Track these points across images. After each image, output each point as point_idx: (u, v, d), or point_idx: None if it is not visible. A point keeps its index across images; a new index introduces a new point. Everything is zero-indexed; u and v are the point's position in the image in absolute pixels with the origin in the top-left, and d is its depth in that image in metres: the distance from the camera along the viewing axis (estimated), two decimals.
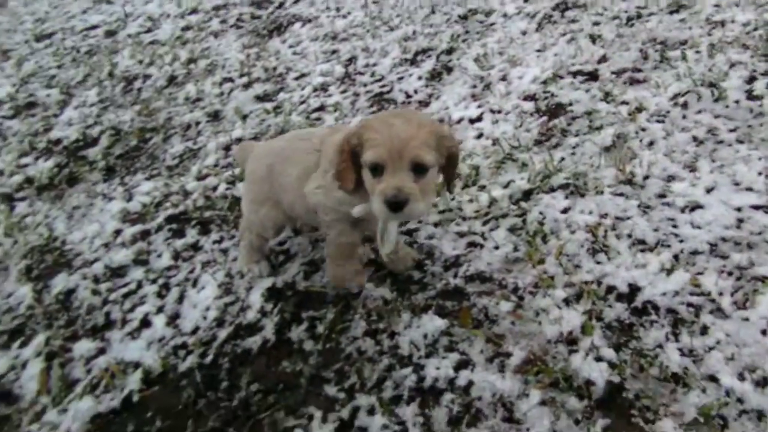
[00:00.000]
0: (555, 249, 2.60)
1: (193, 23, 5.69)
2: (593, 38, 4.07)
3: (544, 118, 3.44)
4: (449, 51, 4.39)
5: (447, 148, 2.20)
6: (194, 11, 5.99)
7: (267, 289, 2.68)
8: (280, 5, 5.78)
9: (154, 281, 2.88)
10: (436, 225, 2.89)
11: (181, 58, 4.97)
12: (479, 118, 3.60)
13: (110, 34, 5.88)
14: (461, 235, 2.81)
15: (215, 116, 4.16)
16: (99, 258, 3.08)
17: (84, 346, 2.61)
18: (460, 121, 3.62)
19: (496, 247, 2.71)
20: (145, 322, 2.67)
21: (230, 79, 4.57)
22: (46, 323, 2.77)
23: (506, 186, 3.02)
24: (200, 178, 3.52)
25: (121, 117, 4.31)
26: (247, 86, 4.46)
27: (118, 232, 3.25)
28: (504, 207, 2.89)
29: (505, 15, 4.72)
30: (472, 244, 2.75)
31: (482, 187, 3.05)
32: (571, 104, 3.52)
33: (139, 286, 2.87)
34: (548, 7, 4.65)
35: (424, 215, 2.36)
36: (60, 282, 2.97)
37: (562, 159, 3.10)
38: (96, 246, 3.18)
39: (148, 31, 5.76)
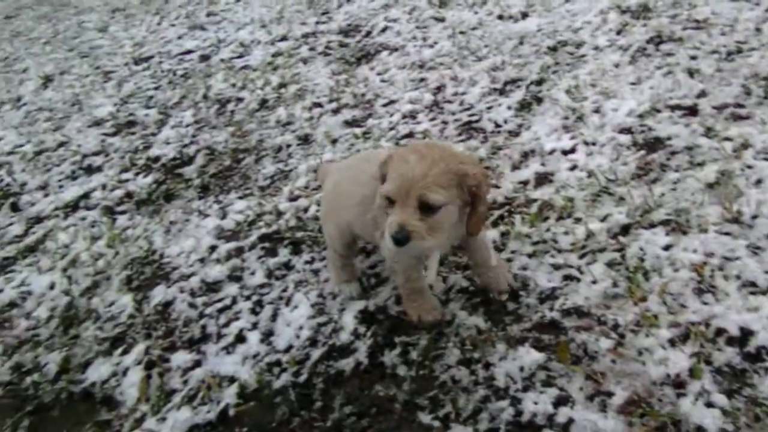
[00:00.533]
0: (658, 287, 2.51)
1: (282, 50, 5.88)
2: (691, 72, 3.96)
3: (642, 151, 3.36)
4: (539, 82, 4.36)
5: (469, 186, 2.19)
6: (284, 38, 6.19)
7: (359, 312, 2.70)
8: (368, 34, 5.90)
9: (248, 298, 2.94)
10: (530, 256, 2.85)
11: (272, 83, 5.13)
12: (572, 150, 3.55)
13: (204, 58, 6.14)
14: (557, 267, 2.76)
15: (305, 140, 4.26)
16: (195, 272, 3.18)
17: (181, 358, 2.68)
18: (552, 152, 3.57)
19: (594, 282, 2.64)
20: (240, 338, 2.72)
21: (319, 104, 4.67)
22: (146, 333, 2.86)
23: (603, 219, 2.95)
24: (292, 199, 3.60)
25: (216, 138, 4.47)
26: (336, 111, 4.55)
27: (213, 248, 3.34)
28: (602, 241, 2.82)
29: (596, 47, 4.66)
30: (568, 278, 2.69)
31: (578, 220, 2.99)
32: (669, 138, 3.42)
33: (234, 301, 2.94)
34: (642, 40, 4.56)
35: (437, 251, 2.43)
36: (159, 294, 3.08)
37: (662, 194, 3.01)
38: (192, 260, 3.28)
39: (240, 56, 5.98)
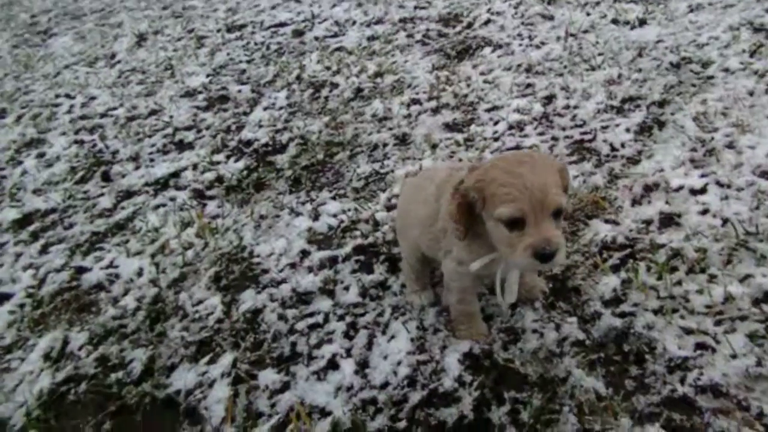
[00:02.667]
0: None
1: (379, 33, 5.64)
2: None
3: None
4: (661, 103, 4.00)
5: (564, 180, 2.11)
6: (380, 21, 5.94)
7: (463, 354, 2.49)
8: (469, 25, 5.60)
9: (341, 318, 2.77)
10: (656, 313, 2.57)
11: (368, 70, 4.91)
12: (703, 190, 3.21)
13: (297, 34, 5.96)
14: (688, 331, 2.47)
15: (402, 140, 4.03)
16: (286, 279, 3.03)
17: (269, 377, 2.54)
18: (679, 189, 3.24)
19: (734, 356, 2.35)
20: (333, 364, 2.56)
21: (418, 101, 4.43)
22: (233, 341, 2.74)
23: (743, 280, 2.65)
24: (389, 208, 3.40)
25: (309, 126, 4.30)
26: (435, 111, 4.31)
27: (304, 253, 3.19)
28: (743, 308, 2.52)
29: (726, 69, 4.25)
30: (702, 346, 2.41)
31: (712, 277, 2.69)
32: None
33: (326, 319, 2.78)
34: None
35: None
36: (248, 298, 2.94)
37: None
38: (282, 265, 3.13)
39: (334, 35, 5.77)
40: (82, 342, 2.84)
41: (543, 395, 2.29)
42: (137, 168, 4.19)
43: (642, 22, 5.08)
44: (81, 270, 3.31)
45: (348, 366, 2.53)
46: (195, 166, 4.05)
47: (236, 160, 4.06)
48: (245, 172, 3.93)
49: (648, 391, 2.28)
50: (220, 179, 3.90)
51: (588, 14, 5.43)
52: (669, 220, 3.07)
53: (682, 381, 2.29)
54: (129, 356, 2.73)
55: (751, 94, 3.94)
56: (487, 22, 5.59)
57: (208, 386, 2.55)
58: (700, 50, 4.54)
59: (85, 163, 4.32)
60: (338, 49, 5.49)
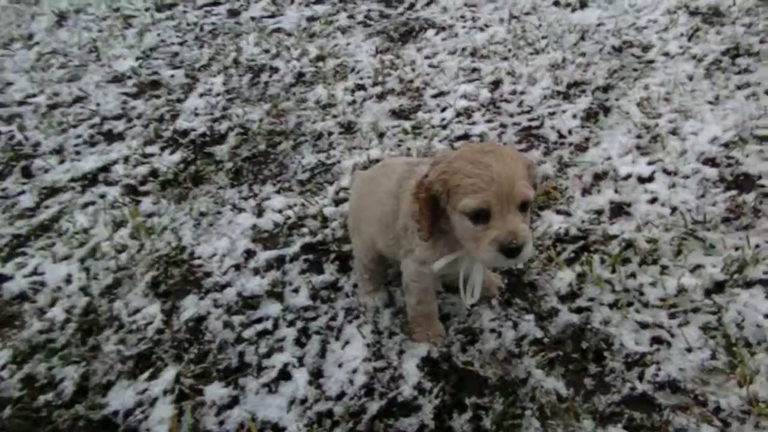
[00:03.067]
0: (765, 366, 2.22)
1: (319, 13, 5.42)
2: None
3: (733, 192, 3.03)
4: (605, 88, 3.99)
5: (532, 176, 2.02)
6: (319, 1, 5.71)
7: (422, 360, 2.40)
8: (411, 6, 5.45)
9: (291, 323, 2.63)
10: (611, 307, 2.55)
11: (309, 54, 4.71)
12: (651, 178, 3.22)
13: (233, 13, 5.67)
14: (644, 325, 2.47)
15: (348, 128, 3.88)
16: (231, 283, 2.86)
17: (216, 392, 2.38)
18: (628, 177, 3.24)
19: (689, 350, 2.35)
20: (285, 374, 2.42)
21: (363, 87, 4.28)
22: (175, 354, 2.56)
23: (693, 271, 2.65)
24: (338, 202, 3.25)
25: (249, 114, 4.08)
26: (381, 97, 4.17)
27: (249, 254, 3.02)
28: (696, 299, 2.52)
29: (666, 54, 4.28)
30: (658, 340, 2.41)
31: (664, 268, 2.69)
32: (761, 177, 3.09)
33: (276, 325, 2.63)
34: (717, 51, 4.18)
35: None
36: (190, 305, 2.76)
37: (758, 246, 2.70)
38: (226, 266, 2.95)
39: (272, 16, 5.52)
40: (5, 361, 2.59)
41: (504, 399, 2.23)
42: (62, 162, 3.88)
43: (583, 5, 5.07)
44: (1, 279, 3.03)
45: (301, 376, 2.40)
46: (126, 159, 3.78)
47: (171, 152, 3.82)
48: (182, 165, 3.70)
49: (608, 390, 2.26)
50: (154, 173, 3.65)
51: None
52: (619, 210, 3.06)
53: (641, 377, 2.28)
54: (59, 375, 2.51)
55: (690, 78, 3.97)
56: (429, 2, 5.47)
57: (149, 405, 2.37)
58: (640, 34, 4.55)
59: (2, 157, 3.97)
60: (276, 30, 5.25)
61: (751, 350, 2.29)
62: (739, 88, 3.80)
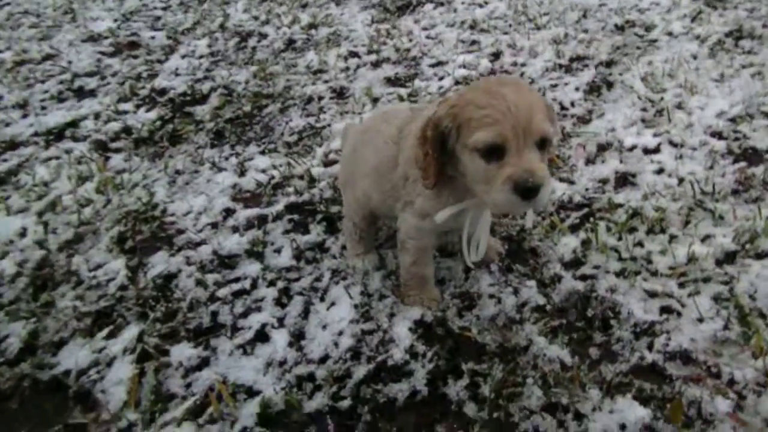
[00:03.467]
0: None
1: None
2: None
3: (743, 163, 2.85)
4: (608, 63, 3.81)
5: (551, 119, 1.79)
6: None
7: (414, 322, 2.16)
8: None
9: (272, 283, 2.38)
10: (618, 275, 2.34)
11: (301, 21, 4.47)
12: (657, 150, 3.03)
13: None
14: (652, 294, 2.26)
15: (340, 93, 3.65)
16: (206, 241, 2.60)
17: (184, 352, 2.12)
18: (633, 148, 3.05)
19: (700, 320, 2.14)
20: (262, 336, 2.17)
21: (356, 54, 4.05)
22: (140, 312, 2.29)
23: (703, 240, 2.46)
24: (327, 164, 3.01)
25: (235, 76, 3.83)
26: (376, 65, 3.94)
27: (228, 212, 2.76)
28: (707, 268, 2.32)
29: (669, 33, 4.12)
30: (667, 310, 2.20)
31: (672, 237, 2.49)
32: None
33: (254, 285, 2.38)
34: (720, 32, 4.03)
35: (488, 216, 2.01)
36: (159, 262, 2.50)
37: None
38: (202, 224, 2.70)
39: None
40: None
41: (504, 366, 2.00)
42: (25, 116, 3.59)
43: None
44: None
45: (280, 337, 2.14)
46: (97, 116, 3.51)
47: (148, 110, 3.55)
48: (158, 123, 3.43)
49: (615, 360, 2.04)
50: (127, 130, 3.38)
51: None
52: (624, 180, 2.87)
53: (650, 347, 2.07)
54: (4, 331, 2.23)
55: (694, 57, 3.81)
56: None
57: (105, 365, 2.10)
58: (642, 14, 4.40)
59: None
60: None
61: (766, 321, 2.10)
62: (743, 67, 3.65)
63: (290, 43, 4.25)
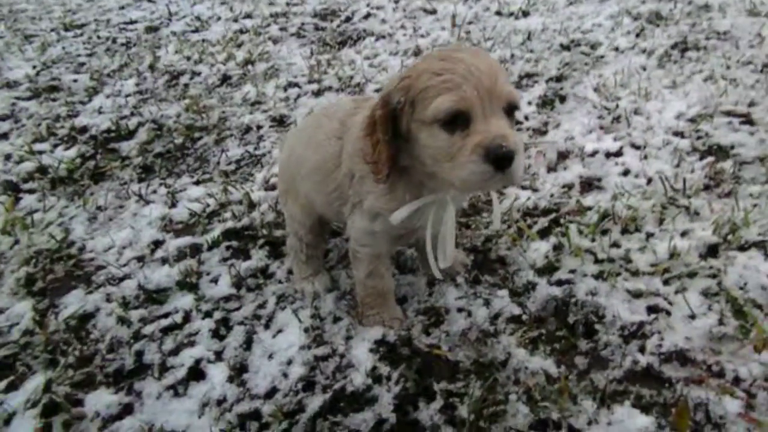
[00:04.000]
0: None
1: (248, 27, 5.02)
2: (731, 81, 3.39)
3: (711, 158, 2.71)
4: (559, 78, 3.70)
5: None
6: (248, 16, 5.33)
7: (375, 342, 1.87)
8: (348, 19, 5.13)
9: (208, 314, 2.06)
10: (596, 277, 2.11)
11: (236, 58, 4.26)
12: (619, 153, 2.88)
13: (151, 30, 5.19)
14: (636, 295, 2.05)
15: (280, 121, 3.41)
16: (130, 275, 2.26)
17: (102, 399, 1.77)
18: (594, 153, 2.89)
19: (692, 317, 1.94)
20: (197, 373, 1.83)
21: (296, 84, 3.84)
22: (49, 359, 1.92)
23: (683, 235, 2.27)
24: (268, 188, 2.74)
25: (165, 111, 3.55)
26: (318, 93, 3.73)
27: (157, 244, 2.44)
28: (691, 263, 2.12)
29: (616, 48, 4.06)
30: (655, 309, 1.99)
31: (649, 235, 2.30)
32: (734, 147, 2.81)
33: (186, 319, 2.05)
34: (666, 45, 4.00)
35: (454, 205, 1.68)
36: (73, 301, 2.15)
37: (746, 210, 2.35)
38: (127, 258, 2.37)
39: (196, 30, 5.07)
40: None
41: (482, 384, 1.73)
42: None
43: (525, 14, 4.88)
44: None
45: (218, 373, 1.82)
46: (8, 157, 3.15)
47: (66, 149, 3.22)
48: (78, 160, 3.10)
49: (606, 366, 1.81)
50: (42, 170, 3.04)
51: (471, 7, 5.17)
52: (589, 185, 2.70)
53: (642, 350, 1.86)
54: None
55: (644, 68, 3.74)
56: (367, 16, 5.16)
57: (2, 423, 1.71)
58: (586, 34, 4.36)
59: None
60: (201, 41, 4.79)
61: (764, 312, 1.89)
62: (694, 74, 3.58)
63: (225, 78, 4.02)
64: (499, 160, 1.38)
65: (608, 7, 4.80)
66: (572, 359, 1.84)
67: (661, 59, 3.83)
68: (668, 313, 1.97)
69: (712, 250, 2.21)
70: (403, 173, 1.64)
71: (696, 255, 2.19)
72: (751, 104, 3.16)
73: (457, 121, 1.44)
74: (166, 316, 2.07)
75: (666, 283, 2.08)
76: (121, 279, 2.25)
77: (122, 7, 5.91)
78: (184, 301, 2.13)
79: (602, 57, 3.98)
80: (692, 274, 2.10)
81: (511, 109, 1.48)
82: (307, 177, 1.92)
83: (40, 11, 5.98)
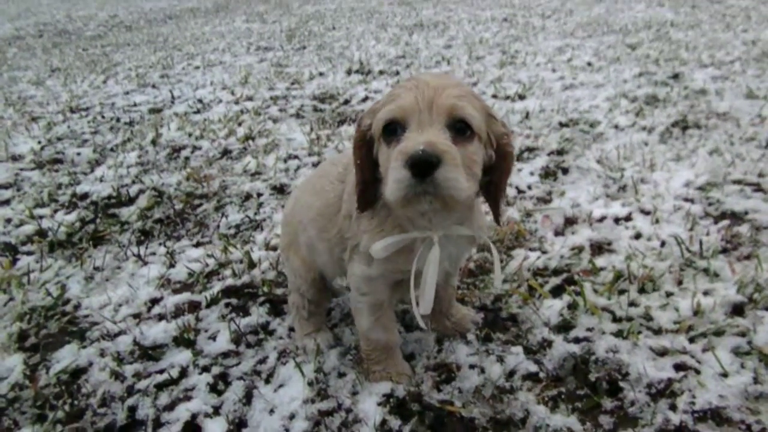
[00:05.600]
0: None
1: (248, 108, 5.13)
2: (736, 155, 3.44)
3: (726, 222, 2.70)
4: (560, 152, 3.75)
5: (497, 135, 1.51)
6: (249, 99, 5.46)
7: (384, 396, 1.76)
8: (346, 102, 5.26)
9: (205, 369, 1.95)
10: (616, 335, 2.04)
11: (237, 134, 4.32)
12: (629, 218, 2.87)
13: (155, 111, 5.30)
14: (661, 353, 1.96)
15: (281, 190, 3.40)
16: (126, 331, 2.17)
17: None
18: (602, 219, 2.87)
19: (724, 375, 1.84)
20: (193, 428, 1.71)
21: (296, 157, 3.87)
22: (37, 413, 1.79)
23: (705, 294, 2.21)
24: (270, 248, 2.69)
25: (166, 179, 3.55)
26: (318, 165, 3.74)
27: (154, 302, 2.36)
28: (717, 320, 2.06)
29: (616, 126, 4.15)
30: (682, 367, 1.90)
31: (669, 294, 2.24)
32: (747, 213, 2.81)
33: (183, 374, 1.94)
34: (666, 123, 4.10)
35: (464, 196, 1.39)
36: (65, 356, 2.04)
37: None
38: (123, 315, 2.27)
39: (198, 112, 5.17)
40: None
41: None
42: None
43: (522, 97, 5.02)
44: None
45: (216, 428, 1.70)
46: (8, 221, 3.11)
47: (67, 213, 3.18)
48: (78, 224, 3.06)
49: (635, 424, 1.71)
50: (41, 233, 2.98)
51: None
52: (600, 248, 2.65)
53: (673, 408, 1.75)
54: None
55: (646, 144, 3.81)
56: (365, 99, 5.30)
57: None
58: (584, 114, 4.46)
59: None
60: (203, 120, 4.87)
61: None
62: (698, 148, 3.64)
63: (226, 152, 4.05)
64: (417, 165, 1.27)
65: (604, 91, 4.96)
66: (596, 418, 1.73)
67: (662, 135, 3.91)
68: (697, 372, 1.88)
69: (737, 309, 2.15)
70: (390, 209, 1.57)
71: (721, 313, 2.12)
72: (761, 175, 3.19)
73: (394, 130, 1.40)
74: (161, 371, 1.96)
75: (692, 341, 2.01)
76: (116, 335, 2.15)
77: (127, 93, 6.05)
78: (180, 356, 2.02)
79: (602, 134, 4.06)
80: (719, 333, 2.03)
81: (455, 123, 1.39)
82: (310, 224, 1.87)
83: (48, 97, 6.11)
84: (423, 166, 1.27)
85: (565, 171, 3.51)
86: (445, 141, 1.34)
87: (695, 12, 8.50)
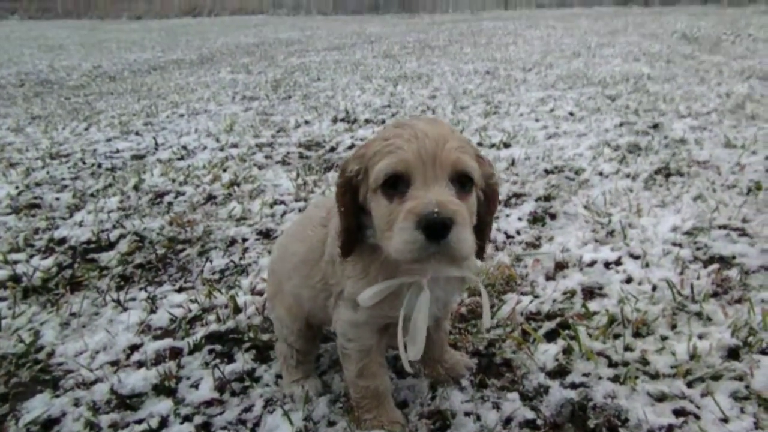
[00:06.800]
0: None
1: (234, 155, 5.09)
2: (720, 201, 3.46)
3: (715, 266, 2.69)
4: (547, 198, 3.74)
5: (486, 176, 1.54)
6: (234, 146, 5.44)
7: None
8: (332, 149, 5.26)
9: (187, 419, 1.85)
10: (613, 380, 1.97)
11: (222, 180, 4.27)
12: (619, 262, 2.84)
13: (137, 158, 5.24)
14: (659, 398, 1.91)
15: (266, 234, 3.34)
16: (102, 379, 2.05)
17: None
18: (593, 264, 2.84)
19: (724, 420, 1.78)
20: None
21: (282, 202, 3.83)
22: None
23: (700, 338, 2.17)
24: (256, 293, 2.61)
25: (148, 224, 3.47)
26: (304, 210, 3.69)
27: (133, 348, 2.25)
28: (714, 364, 2.01)
29: (600, 173, 4.19)
30: (681, 412, 1.84)
31: (664, 338, 2.20)
32: (735, 257, 2.80)
33: (163, 424, 1.84)
34: (649, 170, 4.15)
35: (472, 253, 1.39)
36: (37, 406, 1.92)
37: (765, 316, 2.28)
38: (100, 362, 2.16)
39: (182, 158, 5.12)
40: None
41: None
42: None
43: (506, 145, 5.06)
44: None
45: None
46: None
47: (43, 258, 3.08)
48: (54, 269, 2.95)
49: None
50: (15, 278, 2.87)
51: None
52: (591, 292, 2.61)
53: None
54: None
55: (630, 190, 3.82)
56: (351, 146, 5.30)
57: None
58: (569, 162, 4.49)
59: None
60: (187, 166, 4.81)
61: None
62: (681, 194, 3.66)
63: (211, 197, 3.99)
64: (431, 228, 1.27)
65: (587, 140, 5.02)
66: None
67: (646, 182, 3.94)
68: (697, 417, 1.83)
69: (733, 353, 2.12)
70: (375, 253, 1.53)
71: (717, 357, 2.08)
72: (745, 220, 3.21)
73: (397, 187, 1.37)
74: (140, 421, 1.85)
75: (690, 385, 1.97)
76: (92, 383, 2.03)
77: (109, 139, 5.99)
78: (160, 406, 1.91)
79: (587, 180, 4.08)
80: (717, 377, 1.99)
81: (459, 177, 1.39)
82: (294, 271, 1.83)
83: (27, 143, 6.02)
84: (437, 228, 1.27)
85: (553, 216, 3.50)
86: (453, 199, 1.34)
87: (670, 66, 8.75)
